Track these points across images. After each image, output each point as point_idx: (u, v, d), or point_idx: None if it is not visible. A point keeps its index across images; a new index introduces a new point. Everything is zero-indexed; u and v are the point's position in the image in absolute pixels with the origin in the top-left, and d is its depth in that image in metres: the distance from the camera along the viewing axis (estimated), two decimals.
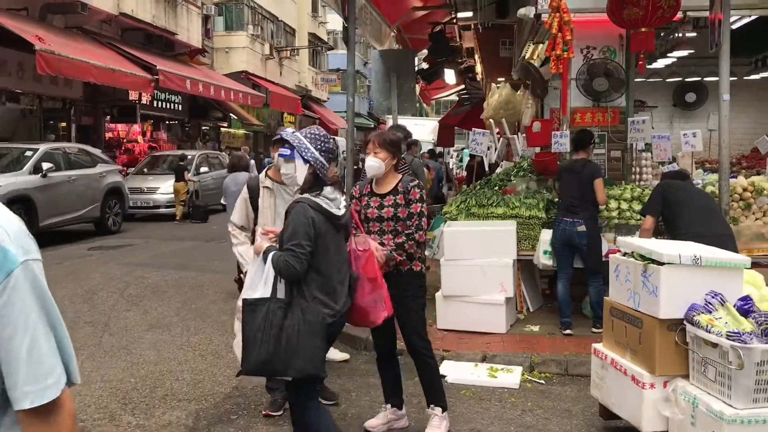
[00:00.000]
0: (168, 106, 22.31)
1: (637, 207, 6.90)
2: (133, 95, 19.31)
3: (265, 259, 3.36)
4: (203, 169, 18.23)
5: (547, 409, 4.87)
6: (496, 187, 8.01)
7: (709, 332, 3.49)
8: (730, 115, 6.36)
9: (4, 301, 1.35)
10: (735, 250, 4.48)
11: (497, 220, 7.01)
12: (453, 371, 5.56)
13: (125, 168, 18.13)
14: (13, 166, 12.04)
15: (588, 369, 4.77)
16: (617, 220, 6.89)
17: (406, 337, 4.33)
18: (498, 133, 10.66)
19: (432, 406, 4.34)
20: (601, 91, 8.01)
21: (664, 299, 3.79)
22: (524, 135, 9.41)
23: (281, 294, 3.32)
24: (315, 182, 3.45)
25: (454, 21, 13.48)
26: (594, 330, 6.31)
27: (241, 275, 5.10)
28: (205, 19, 24.23)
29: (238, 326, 4.01)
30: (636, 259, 4.07)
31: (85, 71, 14.54)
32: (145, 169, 18.21)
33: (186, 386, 5.26)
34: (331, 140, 3.55)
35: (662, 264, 3.83)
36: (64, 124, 18.31)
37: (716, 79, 6.46)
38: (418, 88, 16.97)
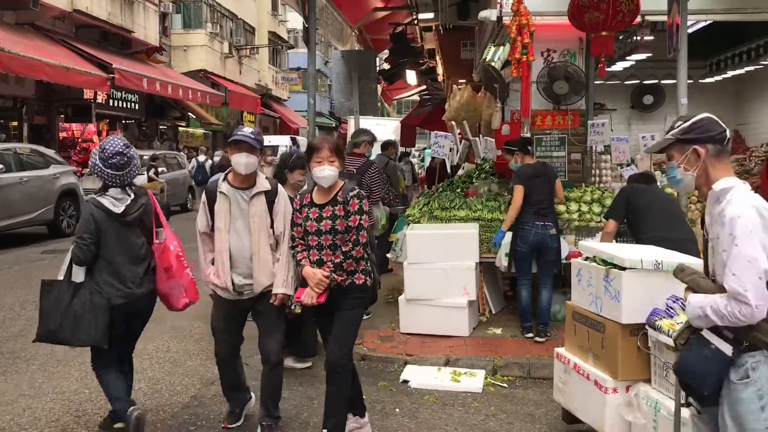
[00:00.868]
0: (124, 105, 21.86)
1: (597, 209, 6.96)
2: (88, 94, 18.84)
3: None
4: (161, 169, 17.89)
5: (510, 414, 4.87)
6: (459, 190, 8.01)
7: (671, 337, 3.50)
8: None
9: None
10: (697, 254, 4.51)
11: (460, 223, 7.00)
12: (416, 376, 5.52)
13: (80, 169, 17.67)
14: None
15: (550, 372, 4.77)
16: (578, 222, 6.94)
17: (327, 348, 4.12)
18: (460, 135, 10.68)
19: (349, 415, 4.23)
20: (561, 94, 8.07)
21: (626, 304, 3.80)
22: (486, 137, 9.44)
23: (79, 278, 4.00)
24: (103, 185, 4.10)
25: (416, 22, 13.49)
26: (537, 339, 6.20)
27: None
28: (163, 16, 23.84)
29: None
30: (598, 264, 4.08)
31: (38, 69, 14.15)
32: None
33: (142, 396, 5.10)
34: (115, 152, 3.99)
35: (624, 269, 3.85)
36: (15, 124, 17.78)
37: (673, 81, 6.57)
38: (379, 88, 16.93)
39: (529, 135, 7.71)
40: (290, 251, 4.18)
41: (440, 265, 6.45)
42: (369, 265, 4.09)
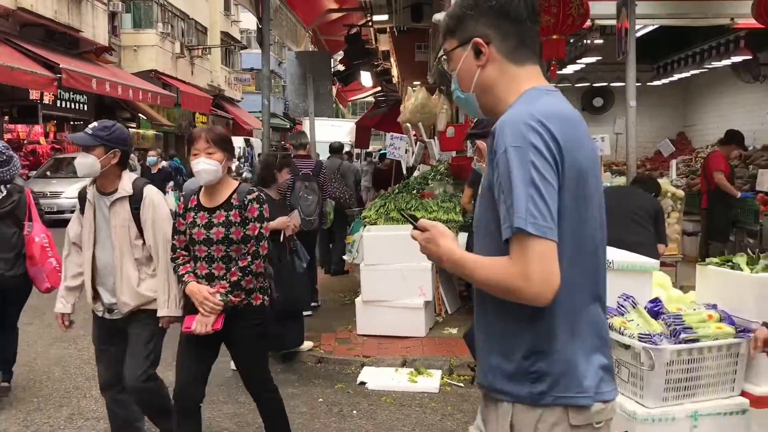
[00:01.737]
0: (72, 106, 21.29)
1: None
2: (34, 94, 18.30)
3: None
4: None
5: (467, 413, 4.91)
6: (414, 191, 8.04)
7: (623, 334, 3.57)
8: (635, 119, 6.61)
9: None
10: (655, 257, 4.63)
11: None
12: (373, 377, 5.52)
13: (26, 171, 17.17)
14: None
15: None
16: None
17: (244, 379, 3.75)
18: (415, 137, 10.72)
19: None
20: None
21: None
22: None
23: None
24: None
25: (370, 24, 13.48)
26: None
27: None
28: (112, 15, 23.33)
29: None
30: None
31: None
32: (48, 172, 17.29)
33: (95, 404, 4.98)
34: None
35: None
36: None
37: (622, 84, 6.71)
38: (334, 89, 16.89)
39: None
40: (171, 264, 3.59)
41: (396, 266, 6.47)
42: (266, 281, 3.60)
